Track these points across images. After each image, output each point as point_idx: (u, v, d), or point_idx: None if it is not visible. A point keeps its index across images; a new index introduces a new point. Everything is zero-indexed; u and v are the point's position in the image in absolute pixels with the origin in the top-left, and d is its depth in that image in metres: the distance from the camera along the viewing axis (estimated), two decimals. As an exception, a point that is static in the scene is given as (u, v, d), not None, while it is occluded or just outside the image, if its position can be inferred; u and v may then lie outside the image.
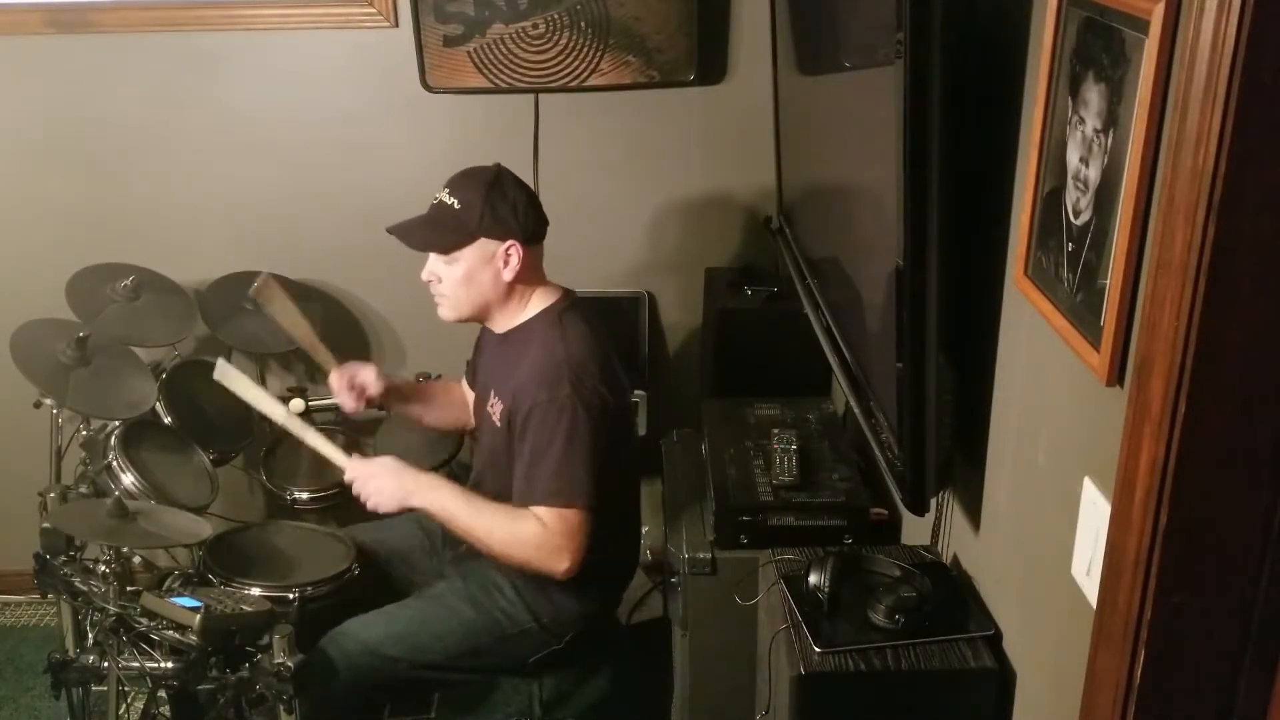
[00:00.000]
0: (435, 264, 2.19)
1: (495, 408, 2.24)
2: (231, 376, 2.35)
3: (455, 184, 2.17)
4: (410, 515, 2.54)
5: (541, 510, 2.10)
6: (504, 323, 2.25)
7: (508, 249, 2.15)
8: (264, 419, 2.52)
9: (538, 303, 2.24)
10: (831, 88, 2.23)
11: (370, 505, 2.19)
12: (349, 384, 2.41)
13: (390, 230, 2.19)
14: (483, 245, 2.14)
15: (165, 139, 3.00)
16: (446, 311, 2.23)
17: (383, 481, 2.18)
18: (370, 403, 2.45)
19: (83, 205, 3.05)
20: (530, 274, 2.21)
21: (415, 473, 2.22)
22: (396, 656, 2.21)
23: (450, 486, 2.21)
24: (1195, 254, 1.04)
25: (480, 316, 2.25)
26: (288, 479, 2.81)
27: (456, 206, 2.14)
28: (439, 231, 2.16)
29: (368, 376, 2.42)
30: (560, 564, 2.10)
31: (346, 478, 2.22)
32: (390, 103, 2.95)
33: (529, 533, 2.10)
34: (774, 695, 1.80)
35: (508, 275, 2.17)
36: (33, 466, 2.80)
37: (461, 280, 2.17)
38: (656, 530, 2.58)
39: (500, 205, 2.13)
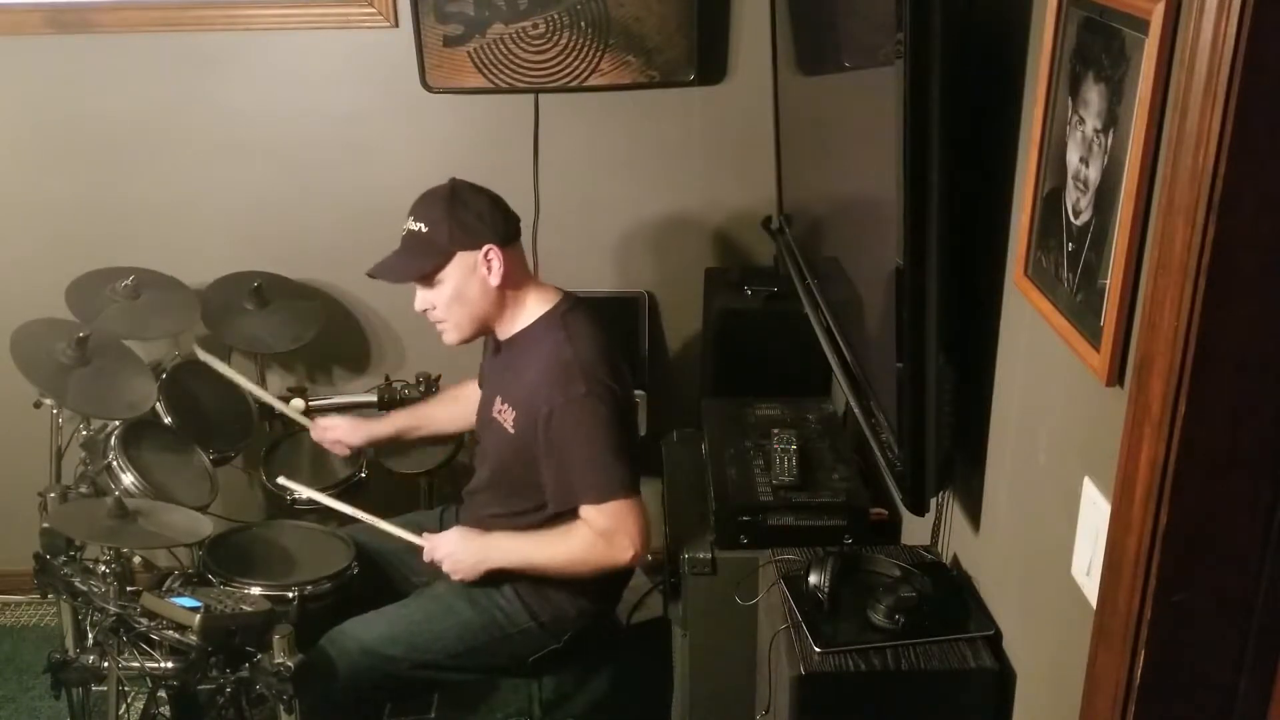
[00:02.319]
0: (424, 293, 2.20)
1: (505, 414, 2.24)
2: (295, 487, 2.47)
3: (417, 209, 2.18)
4: (408, 515, 2.56)
5: (586, 510, 2.11)
6: (506, 329, 2.26)
7: (486, 255, 2.15)
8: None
9: (536, 306, 2.24)
10: (831, 88, 2.23)
11: (455, 579, 2.24)
12: (325, 442, 2.58)
13: (371, 273, 2.21)
14: (461, 259, 2.15)
15: (165, 139, 2.99)
16: (451, 336, 2.24)
17: (456, 555, 2.22)
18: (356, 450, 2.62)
19: (83, 205, 3.04)
20: (518, 276, 2.21)
21: (480, 537, 2.25)
22: (396, 656, 2.21)
23: (509, 537, 2.24)
24: (1195, 254, 1.04)
25: (484, 330, 2.26)
26: (288, 479, 2.80)
27: (424, 230, 2.15)
28: (417, 259, 2.16)
29: (341, 432, 2.56)
30: (624, 555, 2.13)
31: (425, 559, 2.26)
32: (390, 103, 2.95)
33: (584, 542, 2.13)
34: (774, 695, 1.80)
35: (494, 280, 2.16)
36: (33, 466, 2.80)
37: (453, 299, 2.17)
38: (656, 530, 2.58)
39: (463, 214, 2.14)
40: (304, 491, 2.45)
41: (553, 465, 2.15)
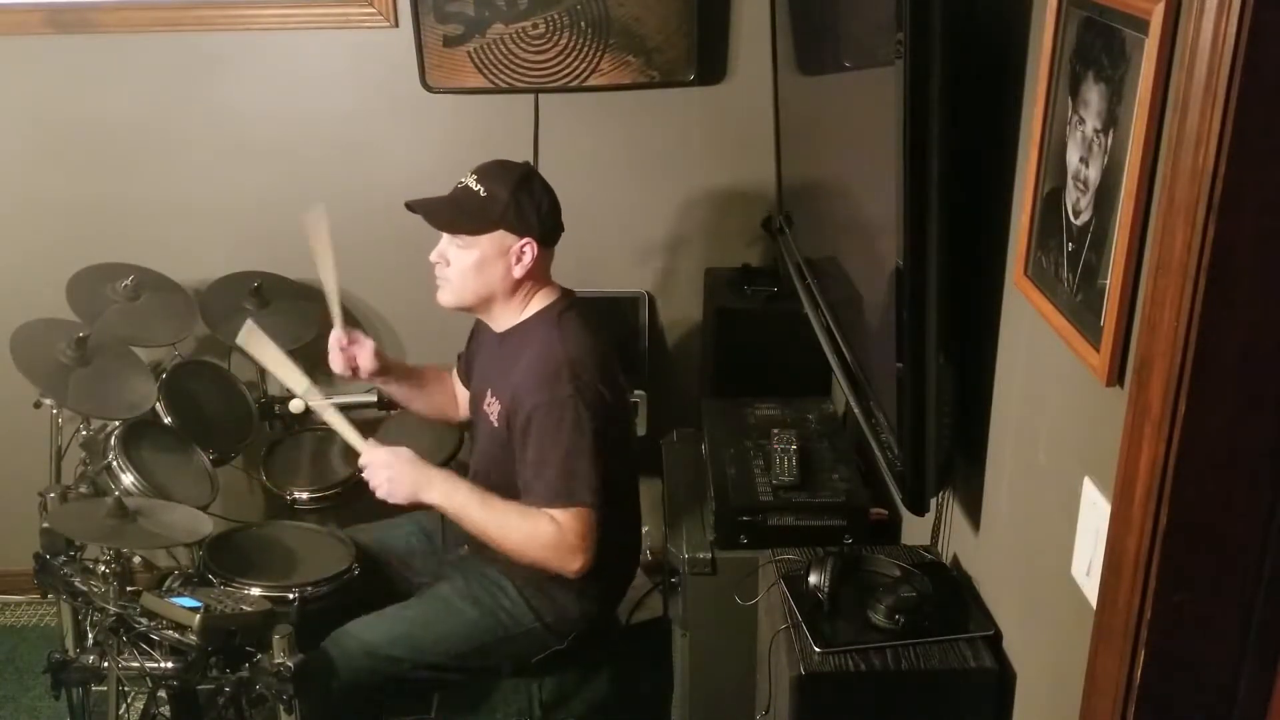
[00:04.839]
0: (447, 246, 2.18)
1: (492, 407, 2.24)
2: (256, 341, 2.26)
3: (484, 172, 2.17)
4: (410, 516, 2.55)
5: (553, 512, 2.10)
6: (504, 321, 2.25)
7: (523, 245, 2.15)
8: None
9: (538, 303, 2.24)
10: (831, 88, 2.23)
11: (381, 494, 2.13)
12: (343, 347, 2.37)
13: (411, 204, 2.18)
14: (501, 237, 2.14)
15: (165, 139, 2.99)
16: (447, 296, 2.21)
17: (397, 471, 2.13)
18: (356, 374, 2.40)
19: (83, 205, 3.04)
20: (538, 274, 2.21)
21: (431, 468, 2.18)
22: (399, 658, 2.21)
23: (465, 484, 2.18)
24: (1195, 254, 1.04)
25: (479, 309, 2.25)
26: (288, 479, 2.81)
27: (482, 194, 2.14)
28: (462, 216, 2.15)
29: (365, 356, 2.37)
30: (573, 564, 2.10)
31: (361, 462, 2.17)
32: (390, 103, 2.95)
33: (544, 533, 2.09)
34: (774, 695, 1.80)
35: (518, 272, 2.17)
36: (33, 466, 2.80)
37: (472, 267, 2.16)
38: (656, 530, 2.58)
39: (525, 201, 2.14)
40: (261, 348, 2.25)
41: (527, 463, 2.13)
